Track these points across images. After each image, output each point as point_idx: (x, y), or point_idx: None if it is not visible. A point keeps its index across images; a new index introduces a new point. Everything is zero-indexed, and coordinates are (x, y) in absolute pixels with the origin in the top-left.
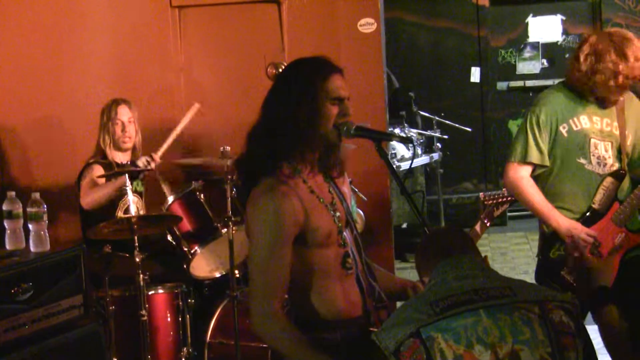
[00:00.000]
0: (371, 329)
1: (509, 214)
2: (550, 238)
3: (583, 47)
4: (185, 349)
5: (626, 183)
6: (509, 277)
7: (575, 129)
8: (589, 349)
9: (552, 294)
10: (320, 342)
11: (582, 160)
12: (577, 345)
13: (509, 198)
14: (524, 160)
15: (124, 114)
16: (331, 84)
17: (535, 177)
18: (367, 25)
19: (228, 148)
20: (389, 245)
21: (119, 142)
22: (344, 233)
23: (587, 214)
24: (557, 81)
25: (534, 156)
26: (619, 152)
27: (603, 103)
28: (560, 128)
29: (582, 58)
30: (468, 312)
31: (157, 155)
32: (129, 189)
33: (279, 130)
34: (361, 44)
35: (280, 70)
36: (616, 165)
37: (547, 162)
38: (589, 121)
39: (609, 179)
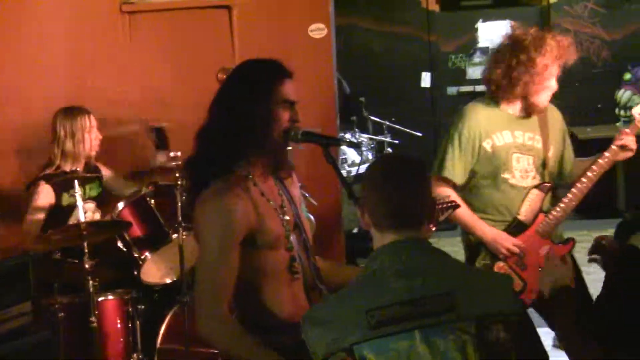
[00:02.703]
0: None
1: None
2: (475, 247)
3: (500, 47)
4: (135, 355)
5: (549, 195)
6: (456, 265)
7: (498, 144)
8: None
9: (493, 309)
10: (267, 344)
11: (506, 175)
12: None
13: (454, 203)
14: (438, 174)
15: (94, 122)
16: (285, 88)
17: (462, 187)
18: (318, 30)
19: (179, 153)
20: (340, 250)
21: (91, 150)
22: (292, 237)
23: (513, 224)
24: None
25: (447, 172)
26: (543, 166)
27: (526, 112)
28: (484, 144)
29: (499, 56)
30: (403, 333)
31: None
32: (78, 195)
33: (231, 132)
34: (312, 50)
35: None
36: (538, 178)
37: (459, 181)
38: (511, 136)
39: (534, 191)
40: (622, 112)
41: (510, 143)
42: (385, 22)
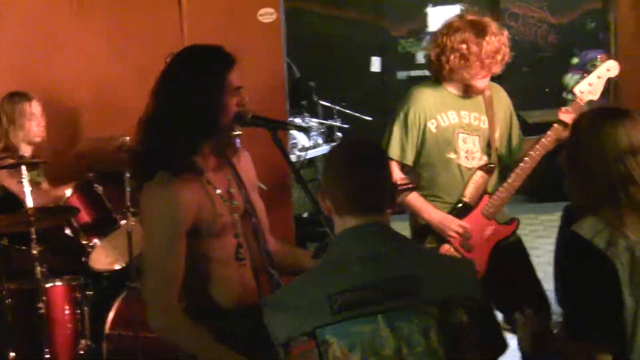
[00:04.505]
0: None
1: None
2: (422, 230)
3: (441, 29)
4: (83, 341)
5: (495, 176)
6: (418, 250)
7: (443, 124)
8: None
9: (455, 293)
10: (218, 331)
11: (452, 155)
12: (472, 346)
13: (409, 185)
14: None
15: (36, 108)
16: (234, 75)
17: (409, 171)
18: (267, 15)
19: (127, 139)
20: (290, 234)
21: (33, 137)
22: (238, 223)
23: (458, 206)
24: None
25: (395, 153)
26: (488, 146)
27: (467, 93)
28: (429, 124)
29: (438, 41)
30: (366, 317)
31: None
32: (25, 180)
33: (181, 123)
34: (261, 34)
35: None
36: (484, 159)
37: (408, 161)
38: (457, 116)
39: (478, 173)
40: (569, 96)
41: (456, 123)
42: (335, 6)
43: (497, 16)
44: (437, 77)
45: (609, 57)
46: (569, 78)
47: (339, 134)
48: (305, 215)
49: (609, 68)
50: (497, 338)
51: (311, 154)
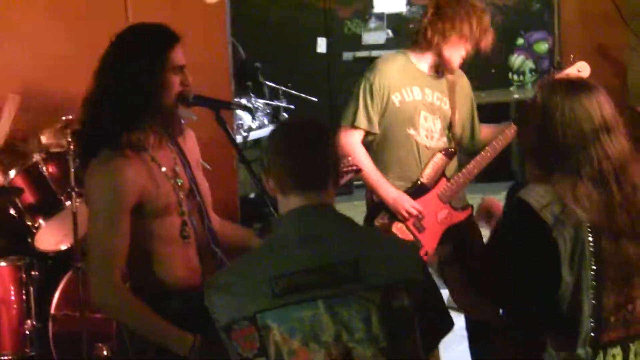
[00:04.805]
0: None
1: (355, 182)
2: (376, 206)
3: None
4: (29, 321)
5: (455, 161)
6: (362, 232)
7: (407, 99)
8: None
9: (398, 277)
10: (162, 310)
11: (412, 132)
12: (414, 330)
13: (354, 167)
14: (353, 125)
15: None
16: (176, 53)
17: (367, 144)
18: None
19: (70, 117)
20: (235, 215)
21: None
22: (184, 201)
23: (415, 186)
24: None
25: (363, 122)
26: (449, 129)
27: (436, 70)
28: (393, 97)
29: (424, 13)
30: (307, 303)
31: None
32: None
33: (122, 100)
34: (206, 15)
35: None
36: (443, 140)
37: (376, 130)
38: (421, 93)
39: (439, 155)
40: (515, 77)
41: (419, 100)
42: None
43: None
44: (417, 40)
45: (579, 59)
46: (515, 59)
47: (285, 115)
48: (251, 196)
49: (580, 69)
50: (442, 317)
51: (257, 134)
